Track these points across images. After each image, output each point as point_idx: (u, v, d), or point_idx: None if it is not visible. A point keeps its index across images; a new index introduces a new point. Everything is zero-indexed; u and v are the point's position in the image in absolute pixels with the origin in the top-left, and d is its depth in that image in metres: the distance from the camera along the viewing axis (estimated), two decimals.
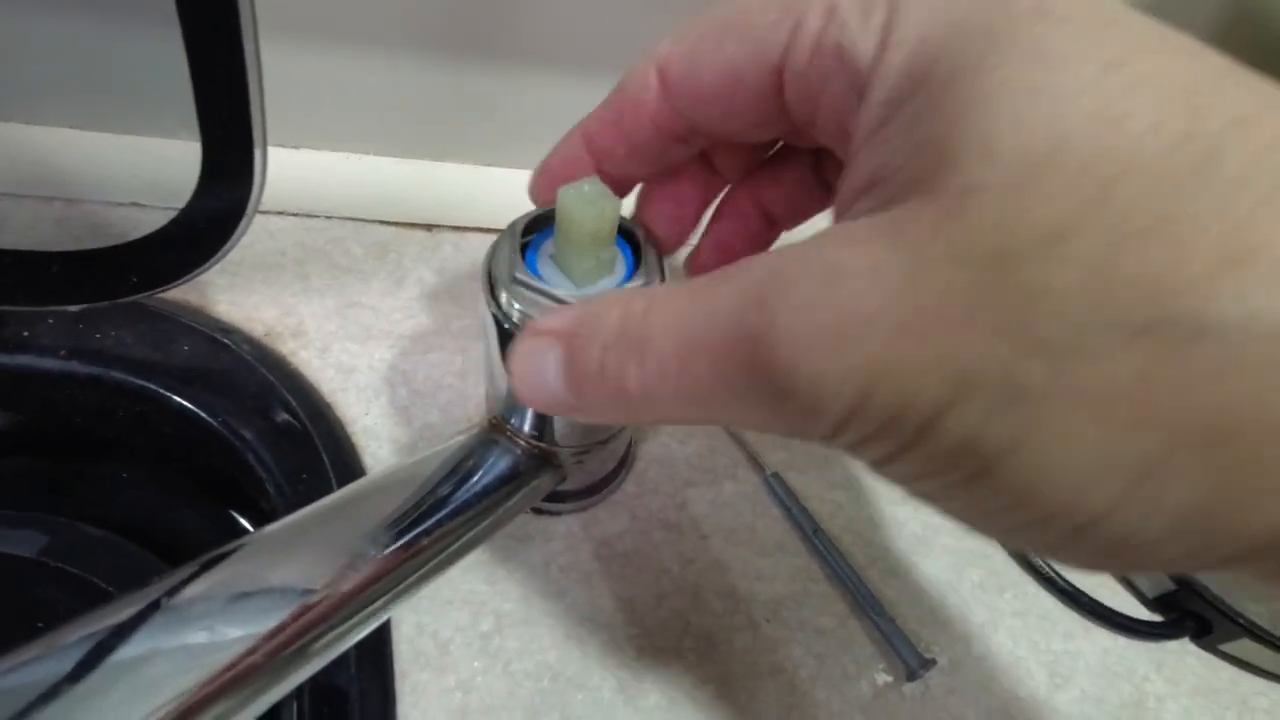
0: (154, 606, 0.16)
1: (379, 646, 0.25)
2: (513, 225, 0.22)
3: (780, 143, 0.22)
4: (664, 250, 0.23)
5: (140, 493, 0.33)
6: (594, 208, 0.20)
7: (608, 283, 0.22)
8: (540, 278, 0.22)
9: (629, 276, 0.22)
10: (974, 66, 0.12)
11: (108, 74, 0.31)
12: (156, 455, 0.33)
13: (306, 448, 0.29)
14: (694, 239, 0.24)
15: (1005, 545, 0.33)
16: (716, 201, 0.23)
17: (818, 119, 0.16)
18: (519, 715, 0.26)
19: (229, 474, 0.31)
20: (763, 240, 0.23)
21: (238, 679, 0.15)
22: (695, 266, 0.24)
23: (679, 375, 0.13)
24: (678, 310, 0.14)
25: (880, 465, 0.13)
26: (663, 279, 0.22)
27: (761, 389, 0.12)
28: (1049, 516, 0.11)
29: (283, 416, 0.30)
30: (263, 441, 0.29)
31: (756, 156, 0.22)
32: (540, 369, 0.16)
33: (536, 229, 0.23)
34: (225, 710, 0.15)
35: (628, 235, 0.23)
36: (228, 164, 0.24)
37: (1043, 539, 0.12)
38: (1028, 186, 0.11)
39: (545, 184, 0.22)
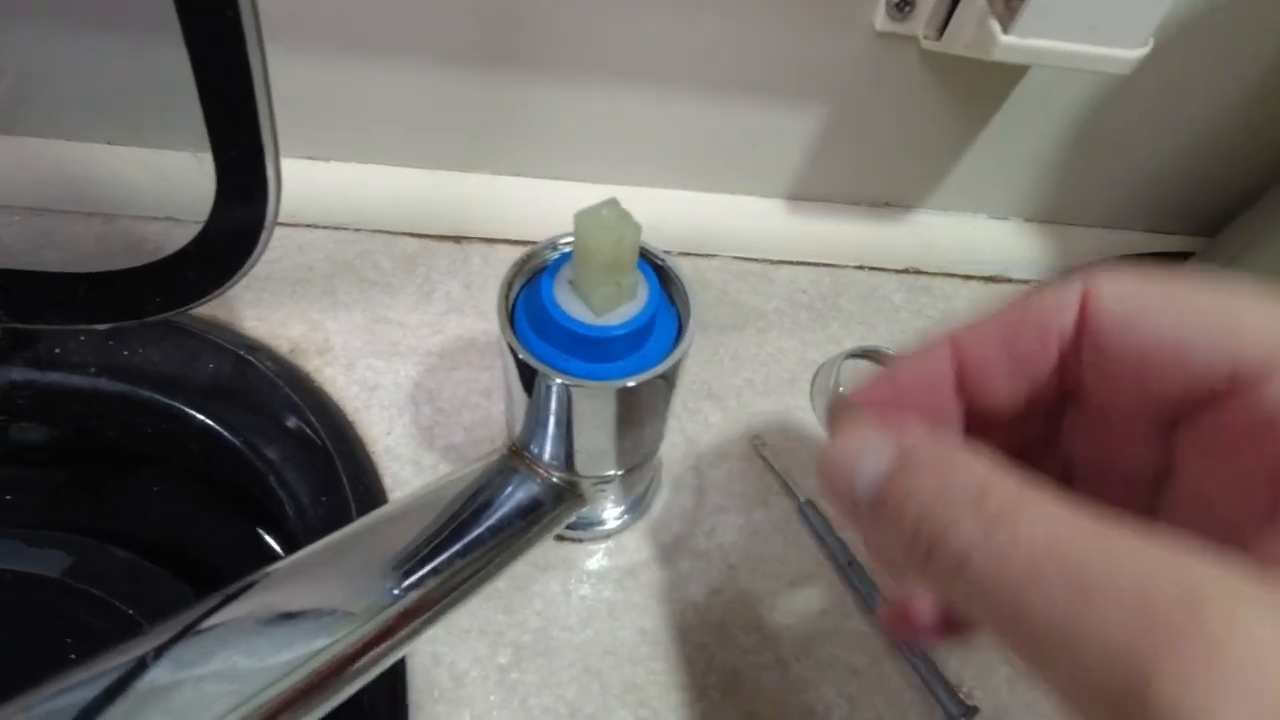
0: (180, 636, 0.16)
1: (392, 678, 0.25)
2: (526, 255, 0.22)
3: None
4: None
5: (170, 508, 0.34)
6: (613, 234, 0.19)
7: (628, 309, 0.21)
8: (557, 303, 0.21)
9: (653, 303, 0.21)
10: None
11: (145, 92, 0.31)
12: (185, 472, 0.33)
13: (327, 469, 0.29)
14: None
15: None
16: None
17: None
18: None
19: (253, 492, 0.30)
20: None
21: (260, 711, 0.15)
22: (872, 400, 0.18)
23: (1028, 590, 0.11)
24: (1068, 550, 0.11)
25: None
26: (687, 317, 0.22)
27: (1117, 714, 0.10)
28: None
29: (304, 435, 0.29)
30: (284, 461, 0.29)
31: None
32: (856, 466, 0.14)
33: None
34: None
35: (653, 264, 0.22)
36: (242, 179, 0.24)
37: None
38: None
39: (887, 398, 0.17)
